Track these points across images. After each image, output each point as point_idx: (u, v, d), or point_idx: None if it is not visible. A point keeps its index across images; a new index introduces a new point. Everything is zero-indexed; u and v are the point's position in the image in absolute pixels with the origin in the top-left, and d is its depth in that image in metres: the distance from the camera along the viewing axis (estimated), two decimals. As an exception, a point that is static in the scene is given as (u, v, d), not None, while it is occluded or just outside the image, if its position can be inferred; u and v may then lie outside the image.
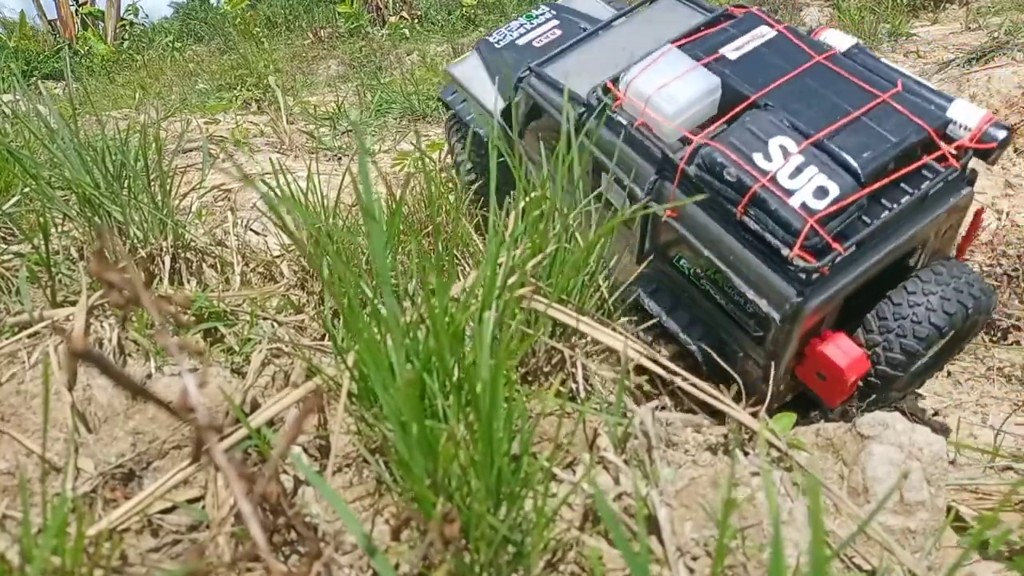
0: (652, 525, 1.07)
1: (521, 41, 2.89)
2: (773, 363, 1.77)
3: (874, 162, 1.67)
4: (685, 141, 1.87)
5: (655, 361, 1.34)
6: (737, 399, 1.33)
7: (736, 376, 1.62)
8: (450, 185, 3.03)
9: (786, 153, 1.70)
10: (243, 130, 4.50)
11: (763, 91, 1.86)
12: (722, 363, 1.76)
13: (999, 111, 3.83)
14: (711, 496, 1.13)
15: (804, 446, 1.41)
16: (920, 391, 2.56)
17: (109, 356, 1.37)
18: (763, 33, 2.04)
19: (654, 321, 2.01)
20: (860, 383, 1.77)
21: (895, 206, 1.67)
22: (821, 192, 1.62)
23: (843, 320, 1.77)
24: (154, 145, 2.06)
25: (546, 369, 1.42)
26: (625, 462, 1.18)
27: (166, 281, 1.86)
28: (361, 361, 1.11)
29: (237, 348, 1.52)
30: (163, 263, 1.88)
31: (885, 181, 1.67)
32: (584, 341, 1.44)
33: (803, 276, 1.61)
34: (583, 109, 2.13)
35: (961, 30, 5.91)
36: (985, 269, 2.92)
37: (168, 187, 1.94)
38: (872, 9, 6.49)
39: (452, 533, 0.81)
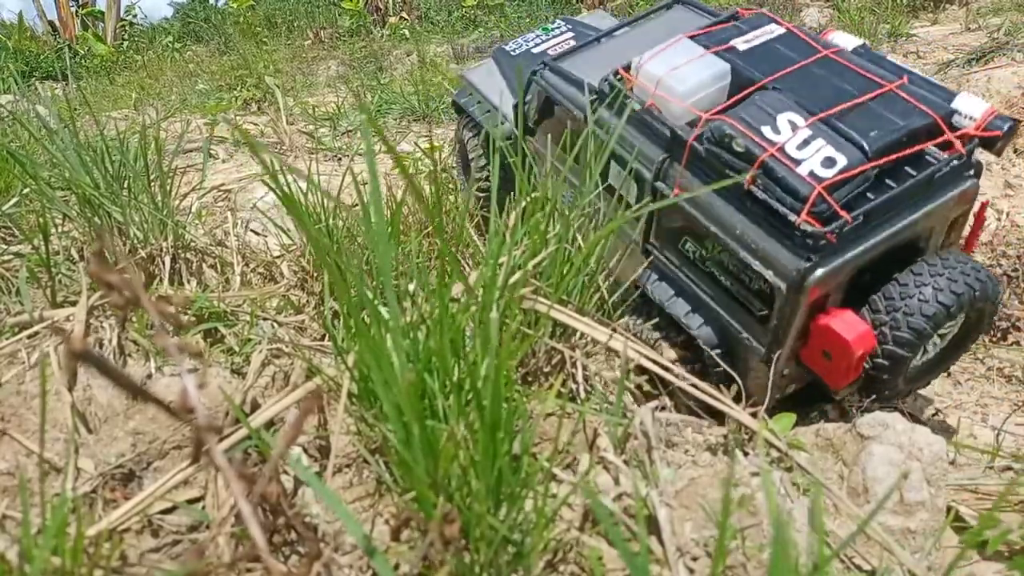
0: (652, 525, 1.07)
1: (536, 50, 2.98)
2: (777, 344, 1.77)
3: (881, 140, 1.71)
4: (693, 124, 1.90)
5: (655, 361, 1.34)
6: (737, 399, 1.33)
7: (736, 377, 1.62)
8: (451, 186, 3.03)
9: (794, 127, 1.74)
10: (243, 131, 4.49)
11: (772, 77, 1.91)
12: (722, 364, 1.76)
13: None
14: (711, 496, 1.13)
15: (804, 446, 1.41)
16: (920, 391, 2.56)
17: (109, 357, 1.37)
18: (772, 30, 2.10)
19: (655, 322, 2.01)
20: (867, 366, 1.77)
21: (901, 186, 1.70)
22: (829, 162, 1.66)
23: (848, 305, 1.78)
24: (154, 145, 2.06)
25: (546, 369, 1.42)
26: (625, 462, 1.18)
27: (166, 281, 1.86)
28: (361, 361, 1.11)
29: (237, 348, 1.52)
30: (163, 263, 1.88)
31: (891, 158, 1.69)
32: (584, 341, 1.45)
33: (809, 243, 1.63)
34: (595, 97, 2.17)
35: (961, 30, 5.92)
36: (985, 269, 2.92)
37: (168, 187, 1.94)
38: (872, 10, 6.49)
39: (452, 533, 0.81)
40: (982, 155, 1.85)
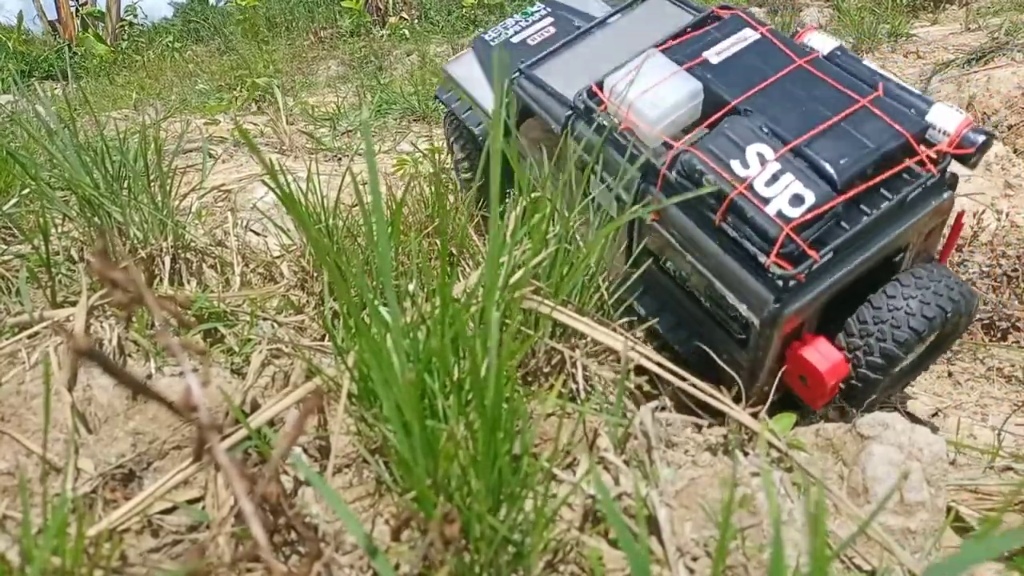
0: (652, 525, 1.07)
1: (516, 39, 2.90)
2: (756, 367, 1.78)
3: (851, 169, 1.69)
4: (668, 145, 1.90)
5: (655, 361, 1.34)
6: (737, 399, 1.33)
7: (732, 372, 1.62)
8: (451, 186, 3.03)
9: (763, 160, 1.73)
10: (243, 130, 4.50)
11: (743, 96, 1.90)
12: (715, 356, 1.78)
13: (999, 111, 3.84)
14: (711, 496, 1.13)
15: (804, 446, 1.42)
16: (920, 391, 2.56)
17: (109, 356, 1.37)
18: (746, 36, 2.08)
19: (655, 322, 2.02)
20: (842, 386, 1.79)
21: (873, 212, 1.69)
22: (797, 200, 1.65)
23: (828, 321, 1.79)
24: (154, 145, 2.06)
25: (546, 370, 1.42)
26: (625, 462, 1.18)
27: (166, 282, 1.86)
28: (361, 361, 1.11)
29: (237, 348, 1.52)
30: (163, 264, 1.88)
31: (862, 188, 1.69)
32: (584, 342, 1.45)
33: (780, 284, 1.63)
34: (570, 112, 2.16)
35: (961, 31, 5.92)
36: (985, 269, 2.92)
37: (168, 188, 1.95)
38: (872, 9, 6.49)
39: (452, 533, 0.81)
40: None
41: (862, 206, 1.71)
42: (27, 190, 1.98)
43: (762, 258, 1.63)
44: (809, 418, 1.99)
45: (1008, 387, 2.60)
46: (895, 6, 6.57)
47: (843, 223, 1.69)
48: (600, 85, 2.08)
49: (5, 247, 1.84)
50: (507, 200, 1.65)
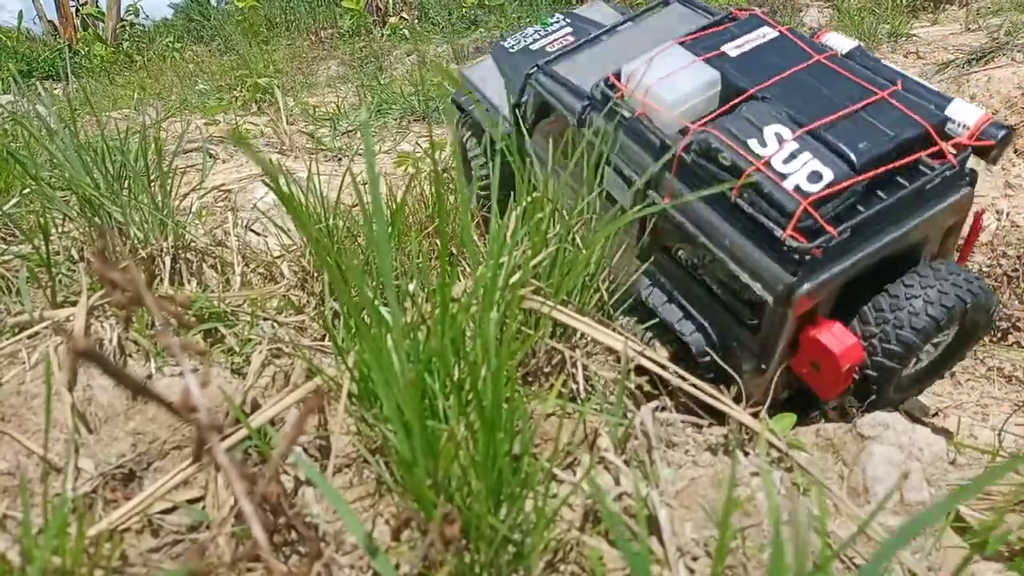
0: (652, 525, 1.07)
1: (535, 46, 2.97)
2: (767, 353, 1.77)
3: (869, 152, 1.68)
4: (684, 132, 1.89)
5: (655, 361, 1.34)
6: (737, 399, 1.33)
7: (732, 373, 1.62)
8: (451, 186, 3.03)
9: (781, 140, 1.73)
10: (245, 130, 4.50)
11: (762, 85, 1.88)
12: (717, 360, 1.77)
13: (999, 112, 3.83)
14: (711, 496, 1.13)
15: (804, 446, 1.42)
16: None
17: (109, 357, 1.37)
18: (765, 33, 2.08)
19: (655, 321, 2.02)
20: (857, 376, 1.77)
21: (891, 197, 1.68)
22: (815, 176, 1.65)
23: (842, 314, 1.78)
24: (154, 145, 2.06)
25: (546, 370, 1.42)
26: (625, 462, 1.18)
27: (166, 282, 1.86)
28: (361, 361, 1.11)
29: (237, 348, 1.52)
30: (163, 264, 1.88)
31: (881, 170, 1.67)
32: (584, 341, 1.45)
33: (796, 257, 1.62)
34: (587, 102, 2.17)
35: (961, 31, 5.92)
36: (985, 269, 2.92)
37: (168, 188, 1.95)
38: (872, 10, 6.49)
39: (452, 533, 0.81)
40: (979, 161, 1.84)
41: (879, 192, 1.70)
42: (27, 190, 1.98)
43: (778, 232, 1.62)
44: (809, 418, 1.99)
45: (1008, 387, 2.60)
46: (895, 6, 6.57)
47: (860, 205, 1.68)
48: (618, 75, 2.09)
49: (5, 247, 1.84)
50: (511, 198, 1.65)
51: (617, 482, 1.15)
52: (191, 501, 1.13)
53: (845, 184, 1.63)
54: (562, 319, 1.36)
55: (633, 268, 2.08)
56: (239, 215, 2.68)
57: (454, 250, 2.14)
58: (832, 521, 1.21)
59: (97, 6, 12.14)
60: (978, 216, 1.97)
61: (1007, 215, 3.35)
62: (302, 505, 1.10)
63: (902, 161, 1.69)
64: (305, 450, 1.24)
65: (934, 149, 1.73)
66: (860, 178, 1.65)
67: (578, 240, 1.52)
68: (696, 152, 1.79)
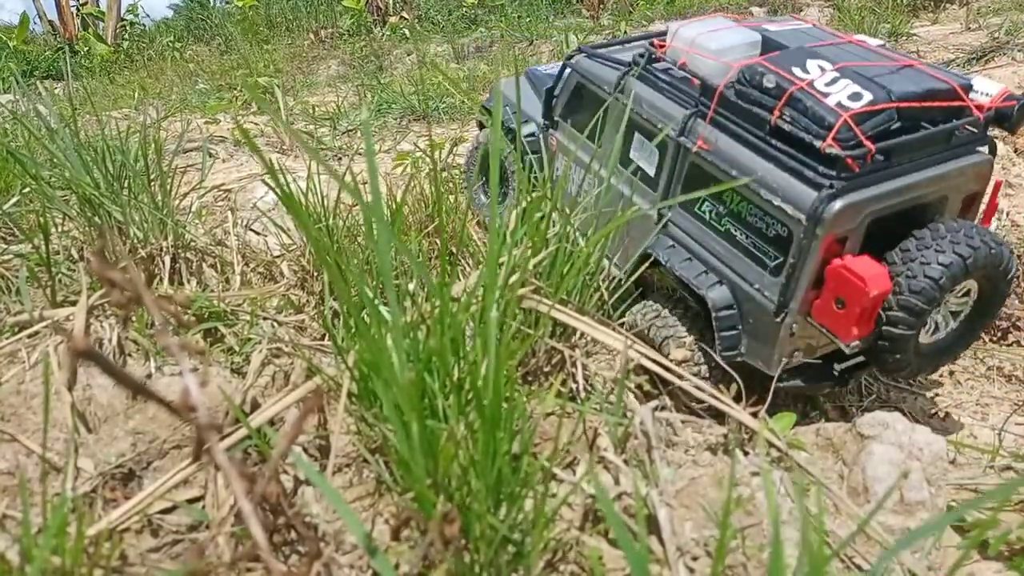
0: (652, 525, 1.07)
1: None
2: (789, 294, 1.85)
3: (905, 88, 1.82)
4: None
5: (655, 361, 1.34)
6: (737, 399, 1.33)
7: (736, 377, 1.62)
8: (451, 185, 3.03)
9: (823, 69, 1.87)
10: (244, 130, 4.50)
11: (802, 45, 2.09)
12: (736, 316, 1.88)
13: (999, 111, 3.84)
14: (711, 496, 1.12)
15: (804, 446, 1.41)
16: (920, 391, 2.56)
17: (109, 356, 1.37)
18: (799, 24, 2.32)
19: (666, 316, 2.07)
20: (880, 321, 1.83)
21: (922, 133, 1.82)
22: (855, 96, 1.79)
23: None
24: (154, 145, 2.06)
25: (546, 369, 1.42)
26: (625, 462, 1.18)
27: (166, 281, 1.86)
28: (361, 361, 1.11)
29: (237, 348, 1.52)
30: (163, 263, 1.88)
31: (915, 104, 1.80)
32: (584, 341, 1.44)
33: (832, 172, 1.74)
34: (625, 69, 2.37)
35: (961, 30, 5.91)
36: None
37: (168, 187, 1.94)
38: (872, 9, 6.49)
39: (452, 533, 0.81)
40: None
41: (911, 132, 1.82)
42: (27, 189, 1.98)
43: (818, 143, 1.73)
44: (809, 418, 1.99)
45: (1008, 386, 2.60)
46: (895, 5, 6.57)
47: (896, 132, 1.80)
48: (660, 35, 2.32)
49: (5, 247, 1.83)
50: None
51: (617, 482, 1.15)
52: (191, 501, 1.13)
53: (884, 105, 1.78)
54: (562, 318, 1.36)
55: (647, 235, 2.19)
56: (239, 215, 2.68)
57: (454, 249, 2.14)
58: (832, 520, 1.21)
59: (97, 6, 12.13)
60: (997, 185, 2.10)
61: (1007, 215, 3.34)
62: (302, 505, 1.10)
63: (932, 103, 1.82)
64: (305, 450, 1.24)
65: (960, 103, 1.86)
66: (897, 104, 1.77)
67: (580, 240, 1.52)
68: (741, 81, 1.93)
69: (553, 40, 7.66)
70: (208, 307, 1.61)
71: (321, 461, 1.23)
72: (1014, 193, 3.49)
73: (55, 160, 1.92)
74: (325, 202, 2.04)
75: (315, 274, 2.10)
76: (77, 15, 11.88)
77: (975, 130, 1.87)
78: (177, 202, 2.14)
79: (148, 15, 12.95)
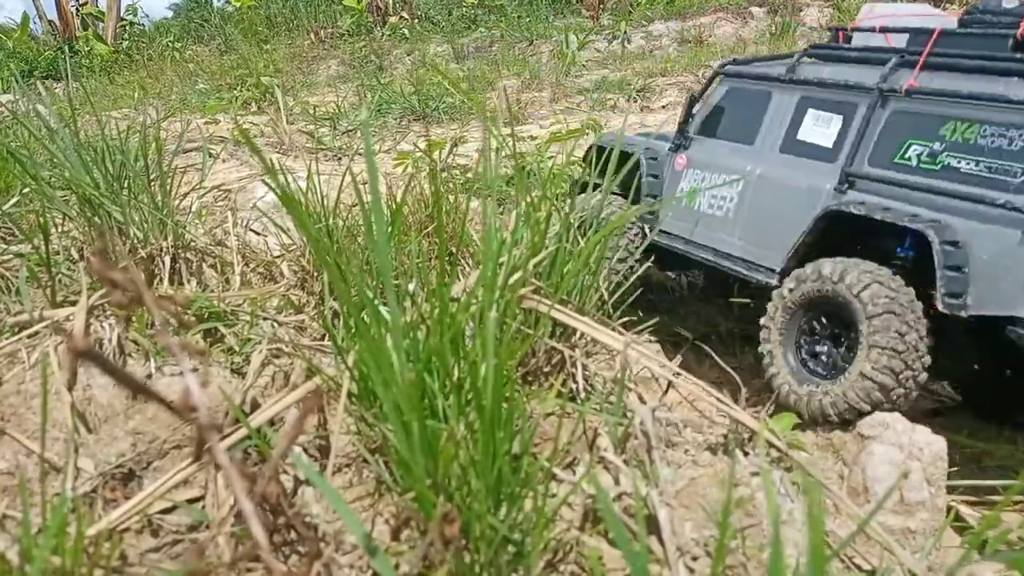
0: (652, 525, 1.07)
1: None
2: None
3: None
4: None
5: (655, 361, 1.34)
6: (737, 399, 1.33)
7: (734, 375, 1.62)
8: (450, 185, 3.03)
9: None
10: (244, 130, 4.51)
11: None
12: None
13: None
14: (711, 496, 1.13)
15: (804, 446, 1.41)
16: (920, 391, 2.56)
17: (109, 356, 1.37)
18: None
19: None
20: None
21: None
22: None
23: None
24: (154, 145, 2.06)
25: (546, 369, 1.42)
26: (625, 462, 1.18)
27: (166, 281, 1.86)
28: (361, 361, 1.10)
29: (237, 348, 1.52)
30: (163, 263, 1.87)
31: None
32: (584, 341, 1.44)
33: None
34: (798, 60, 2.62)
35: (961, 30, 5.91)
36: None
37: (168, 187, 1.94)
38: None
39: (452, 533, 0.81)
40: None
41: None
42: (27, 189, 1.98)
43: None
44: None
45: (1008, 387, 2.59)
46: (895, 6, 6.56)
47: None
48: (843, 30, 2.56)
49: (5, 247, 1.83)
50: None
51: (617, 482, 1.15)
52: (191, 501, 1.13)
53: None
54: (562, 319, 1.36)
55: (806, 215, 2.35)
56: (239, 215, 2.68)
57: (453, 249, 2.14)
58: (832, 520, 1.21)
59: (97, 6, 12.13)
60: None
61: (1007, 215, 3.33)
62: (302, 505, 1.10)
63: None
64: (305, 450, 1.24)
65: None
66: None
67: (581, 237, 1.52)
68: (976, 10, 2.06)
69: (553, 40, 7.66)
70: (208, 307, 1.61)
71: (321, 461, 1.23)
72: (1014, 193, 3.50)
73: (55, 160, 1.92)
74: (325, 202, 2.04)
75: (315, 274, 2.10)
76: (77, 15, 11.88)
77: None
78: (177, 202, 2.14)
79: (147, 15, 12.96)
